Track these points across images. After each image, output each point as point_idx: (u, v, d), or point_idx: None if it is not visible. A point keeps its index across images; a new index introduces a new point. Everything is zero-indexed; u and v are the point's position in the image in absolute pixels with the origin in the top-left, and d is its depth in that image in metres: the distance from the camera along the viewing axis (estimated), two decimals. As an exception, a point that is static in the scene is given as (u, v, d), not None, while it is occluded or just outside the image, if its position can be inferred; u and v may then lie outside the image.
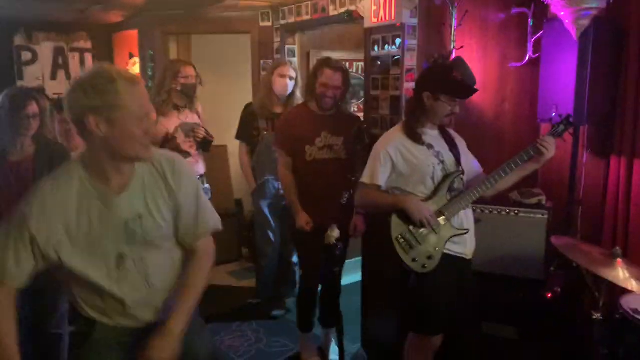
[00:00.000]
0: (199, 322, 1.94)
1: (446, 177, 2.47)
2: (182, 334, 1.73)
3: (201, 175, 3.66)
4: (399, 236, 2.45)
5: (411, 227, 2.44)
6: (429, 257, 2.42)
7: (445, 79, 2.46)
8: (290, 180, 3.16)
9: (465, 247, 2.51)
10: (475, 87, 2.62)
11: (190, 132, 3.54)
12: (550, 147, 2.39)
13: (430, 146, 2.48)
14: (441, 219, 2.44)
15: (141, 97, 1.61)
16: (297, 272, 4.19)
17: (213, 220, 1.89)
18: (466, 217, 2.52)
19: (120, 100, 1.55)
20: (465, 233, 2.48)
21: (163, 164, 1.75)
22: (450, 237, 2.44)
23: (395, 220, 2.47)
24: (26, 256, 1.61)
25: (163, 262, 1.79)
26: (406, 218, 2.44)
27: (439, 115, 2.47)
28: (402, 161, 2.47)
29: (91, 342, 1.76)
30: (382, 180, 2.49)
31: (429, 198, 2.46)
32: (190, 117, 3.58)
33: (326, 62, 3.11)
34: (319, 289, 3.34)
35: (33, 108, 2.67)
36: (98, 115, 1.54)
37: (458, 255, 2.48)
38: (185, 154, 3.45)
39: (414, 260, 2.43)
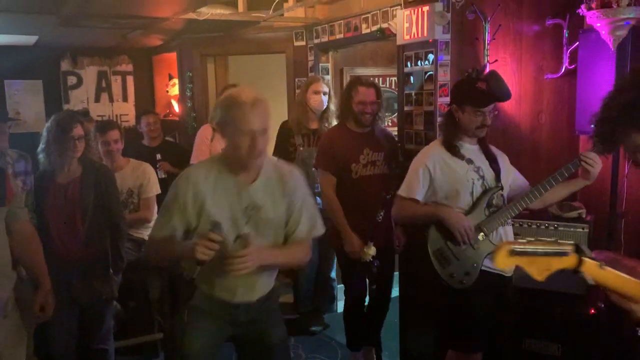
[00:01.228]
0: (278, 316, 2.24)
1: (485, 192, 2.45)
2: (264, 263, 2.00)
3: None
4: (437, 251, 2.44)
5: (449, 242, 2.43)
6: (467, 274, 2.40)
7: (468, 90, 2.46)
8: (337, 203, 3.10)
9: (504, 264, 2.47)
10: (509, 100, 2.61)
11: None
12: (595, 163, 2.35)
13: (470, 161, 2.47)
14: (480, 235, 2.41)
15: (249, 117, 1.86)
16: (336, 287, 4.20)
17: (311, 228, 2.12)
18: (505, 233, 2.49)
19: (231, 118, 1.89)
20: (504, 249, 2.45)
21: (284, 172, 2.09)
22: (489, 254, 2.40)
23: (433, 234, 2.47)
24: (188, 220, 1.98)
25: None
26: (444, 232, 2.43)
27: (469, 127, 2.46)
28: (441, 175, 2.46)
29: (189, 307, 2.10)
30: (419, 195, 2.49)
31: (467, 213, 2.44)
32: None
33: (358, 81, 3.19)
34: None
35: (78, 131, 2.78)
36: (220, 128, 1.97)
37: (496, 272, 2.43)
38: None
39: (451, 276, 2.42)
